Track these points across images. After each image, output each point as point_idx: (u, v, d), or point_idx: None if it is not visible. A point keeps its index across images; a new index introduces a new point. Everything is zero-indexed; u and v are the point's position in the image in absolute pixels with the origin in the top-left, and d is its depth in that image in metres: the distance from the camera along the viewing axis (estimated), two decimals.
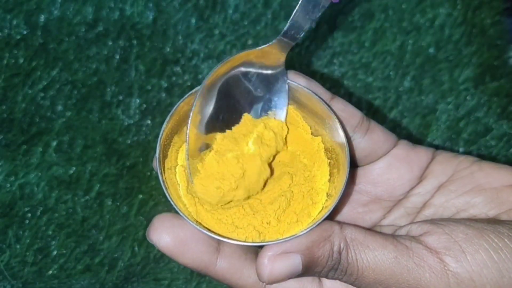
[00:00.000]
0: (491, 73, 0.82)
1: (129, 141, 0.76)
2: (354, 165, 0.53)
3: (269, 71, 0.48)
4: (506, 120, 0.80)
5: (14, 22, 0.77)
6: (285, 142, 0.51)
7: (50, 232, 0.72)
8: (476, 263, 0.41)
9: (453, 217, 0.48)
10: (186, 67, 0.79)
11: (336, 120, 0.47)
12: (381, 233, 0.45)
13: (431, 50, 0.82)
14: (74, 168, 0.74)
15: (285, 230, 0.46)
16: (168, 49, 0.79)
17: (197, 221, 0.45)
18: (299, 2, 0.45)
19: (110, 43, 0.78)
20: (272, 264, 0.42)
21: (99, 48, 0.78)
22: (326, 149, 0.49)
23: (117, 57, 0.78)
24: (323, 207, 0.47)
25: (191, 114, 0.45)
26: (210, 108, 0.47)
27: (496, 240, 0.41)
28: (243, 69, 0.47)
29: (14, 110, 0.74)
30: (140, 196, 0.74)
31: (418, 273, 0.41)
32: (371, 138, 0.50)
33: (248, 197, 0.48)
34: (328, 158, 0.49)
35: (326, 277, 0.44)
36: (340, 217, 0.53)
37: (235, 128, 0.48)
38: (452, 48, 0.83)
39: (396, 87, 0.81)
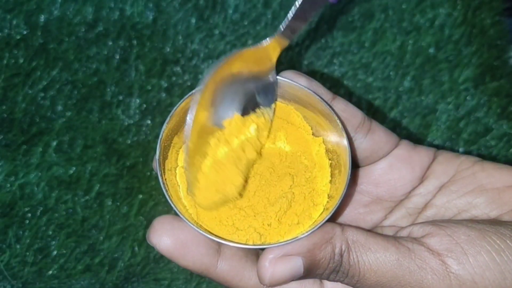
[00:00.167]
0: (491, 73, 0.82)
1: (129, 141, 0.76)
2: (355, 165, 0.53)
3: (260, 69, 0.48)
4: (506, 120, 0.80)
5: (14, 22, 0.77)
6: (268, 135, 0.51)
7: (50, 232, 0.72)
8: (478, 265, 0.41)
9: (455, 217, 0.48)
10: (186, 67, 0.79)
11: (338, 120, 0.47)
12: (383, 235, 0.44)
13: (431, 50, 0.82)
14: (74, 168, 0.73)
15: (286, 232, 0.45)
16: (168, 49, 0.79)
17: (197, 223, 0.45)
18: (297, 2, 0.45)
19: (110, 43, 0.78)
20: (274, 267, 0.42)
21: (99, 48, 0.78)
22: (327, 150, 0.49)
23: (117, 57, 0.78)
24: (324, 208, 0.47)
25: (190, 122, 0.43)
26: (208, 110, 0.47)
27: (498, 241, 0.41)
28: (237, 68, 0.47)
29: (14, 110, 0.74)
30: (140, 196, 0.74)
31: (420, 275, 0.41)
32: (372, 138, 0.50)
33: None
34: (329, 159, 0.49)
35: (328, 279, 0.44)
36: (341, 217, 0.53)
37: (226, 130, 0.48)
38: (452, 48, 0.83)
39: (396, 87, 0.81)
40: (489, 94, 0.81)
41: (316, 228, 0.42)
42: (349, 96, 0.80)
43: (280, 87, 0.49)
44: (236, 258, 0.46)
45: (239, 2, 0.81)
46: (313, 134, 0.50)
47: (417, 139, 0.79)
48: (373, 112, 0.80)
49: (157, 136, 0.75)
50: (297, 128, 0.51)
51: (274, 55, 0.48)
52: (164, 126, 0.46)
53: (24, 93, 0.75)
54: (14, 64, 0.76)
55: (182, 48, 0.80)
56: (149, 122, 0.77)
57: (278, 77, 0.48)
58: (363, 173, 0.53)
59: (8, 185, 0.72)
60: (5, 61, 0.75)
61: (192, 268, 0.45)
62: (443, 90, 0.81)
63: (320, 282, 0.48)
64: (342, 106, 0.49)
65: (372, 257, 0.42)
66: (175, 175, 0.48)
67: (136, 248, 0.73)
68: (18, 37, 0.77)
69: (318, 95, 0.47)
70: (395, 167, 0.51)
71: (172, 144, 0.48)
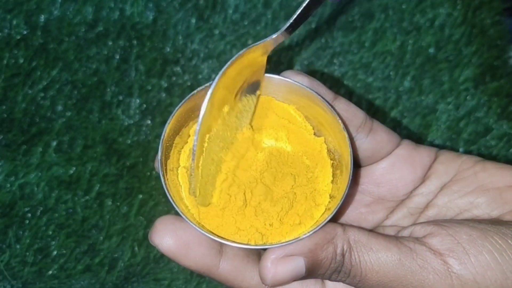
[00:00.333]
0: (491, 73, 0.82)
1: (129, 141, 0.76)
2: (357, 165, 0.53)
3: (256, 62, 0.48)
4: (506, 120, 0.80)
5: (14, 22, 0.77)
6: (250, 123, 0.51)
7: (50, 232, 0.72)
8: (479, 265, 0.41)
9: (456, 217, 0.48)
10: (186, 67, 0.79)
11: (339, 120, 0.47)
12: (384, 234, 0.44)
13: (431, 50, 0.82)
14: (74, 168, 0.73)
15: (287, 232, 0.45)
16: (168, 49, 0.79)
17: (199, 223, 0.45)
18: (305, 1, 0.45)
19: (110, 43, 0.78)
20: (276, 267, 0.42)
21: (99, 48, 0.78)
22: (329, 150, 0.49)
23: (117, 57, 0.78)
24: (326, 209, 0.47)
25: (198, 128, 0.42)
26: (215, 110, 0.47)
27: (499, 241, 0.41)
28: (241, 67, 0.47)
29: (14, 110, 0.74)
30: (140, 196, 0.74)
31: (422, 275, 0.41)
32: (374, 138, 0.50)
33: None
34: (331, 159, 0.49)
35: (330, 279, 0.44)
36: (342, 217, 0.53)
37: (238, 145, 0.49)
38: (452, 48, 0.83)
39: (396, 87, 0.81)
40: (489, 94, 0.81)
41: (318, 228, 0.42)
42: (349, 96, 0.80)
43: (282, 86, 0.49)
44: (238, 258, 0.46)
45: (239, 2, 0.81)
46: (314, 134, 0.50)
47: (417, 139, 0.79)
48: (373, 112, 0.80)
49: (157, 136, 0.75)
50: (298, 128, 0.50)
51: (271, 49, 0.47)
52: (165, 127, 0.46)
53: (24, 93, 0.75)
54: (14, 64, 0.76)
55: (182, 48, 0.80)
56: (149, 122, 0.76)
57: (279, 76, 0.48)
58: (364, 173, 0.53)
59: (8, 185, 0.72)
60: (5, 61, 0.75)
61: (194, 268, 0.44)
62: (443, 90, 0.81)
63: (322, 282, 0.48)
64: (344, 106, 0.48)
65: (374, 257, 0.42)
66: (177, 175, 0.48)
67: (136, 248, 0.73)
68: (18, 37, 0.77)
69: (320, 95, 0.47)
70: (396, 167, 0.51)
71: (174, 144, 0.48)
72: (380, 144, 0.50)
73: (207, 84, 0.46)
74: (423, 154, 0.51)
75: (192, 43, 0.80)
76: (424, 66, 0.82)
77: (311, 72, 0.81)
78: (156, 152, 0.46)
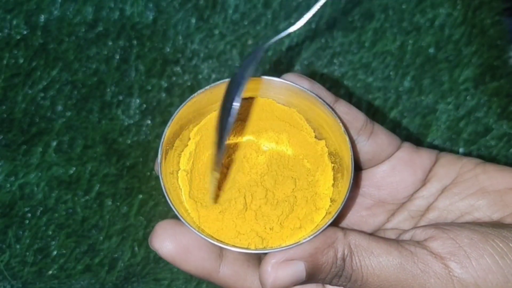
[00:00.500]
0: (491, 73, 0.82)
1: (129, 141, 0.76)
2: (357, 168, 0.52)
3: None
4: (506, 120, 0.80)
5: (14, 22, 0.77)
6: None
7: (50, 232, 0.72)
8: (481, 268, 0.41)
9: (457, 220, 0.48)
10: (186, 67, 0.79)
11: (340, 123, 0.46)
12: (385, 238, 0.44)
13: (431, 50, 0.82)
14: (74, 168, 0.73)
15: (288, 236, 0.45)
16: (168, 49, 0.79)
17: (199, 227, 0.45)
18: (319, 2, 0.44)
19: (110, 43, 0.78)
20: (276, 271, 0.42)
21: (99, 48, 0.78)
22: (329, 153, 0.49)
23: (117, 57, 0.78)
24: (326, 212, 0.46)
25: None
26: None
27: (501, 244, 0.41)
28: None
29: (14, 110, 0.74)
30: (140, 196, 0.74)
31: (423, 279, 0.41)
32: (375, 141, 0.49)
33: None
34: (332, 162, 0.49)
35: (330, 283, 0.44)
36: (343, 221, 0.53)
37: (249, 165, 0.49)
38: (452, 48, 0.83)
39: (396, 87, 0.81)
40: (489, 94, 0.81)
41: (318, 232, 0.42)
42: (349, 96, 0.80)
43: (282, 89, 0.48)
44: (238, 263, 0.45)
45: (239, 2, 0.81)
46: (315, 137, 0.50)
47: (417, 139, 0.79)
48: (373, 112, 0.80)
49: (157, 136, 0.75)
50: (299, 131, 0.50)
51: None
52: (166, 129, 0.46)
53: (24, 93, 0.75)
54: (14, 64, 0.75)
55: (182, 48, 0.80)
56: (149, 122, 0.76)
57: (280, 79, 0.48)
58: (365, 175, 0.52)
59: (8, 185, 0.72)
60: (5, 61, 0.75)
61: (194, 272, 0.44)
62: (443, 90, 0.81)
63: (323, 286, 0.48)
64: (344, 109, 0.48)
65: (375, 261, 0.42)
66: (177, 179, 0.48)
67: (136, 248, 0.73)
68: (18, 37, 0.76)
69: (321, 98, 0.47)
70: (397, 170, 0.51)
71: (174, 147, 0.48)
72: (380, 147, 0.50)
73: (207, 87, 0.46)
74: (424, 156, 0.51)
75: (192, 43, 0.80)
76: (424, 66, 0.82)
77: (311, 72, 0.81)
78: (156, 153, 0.46)
